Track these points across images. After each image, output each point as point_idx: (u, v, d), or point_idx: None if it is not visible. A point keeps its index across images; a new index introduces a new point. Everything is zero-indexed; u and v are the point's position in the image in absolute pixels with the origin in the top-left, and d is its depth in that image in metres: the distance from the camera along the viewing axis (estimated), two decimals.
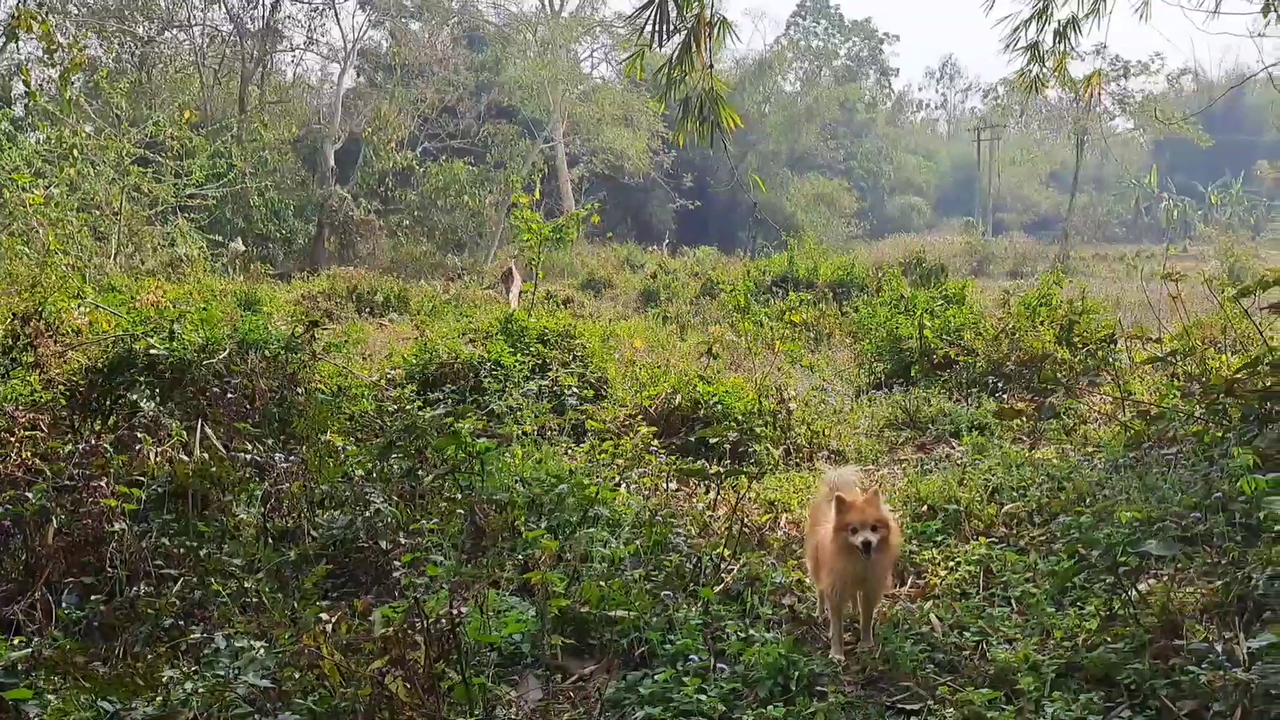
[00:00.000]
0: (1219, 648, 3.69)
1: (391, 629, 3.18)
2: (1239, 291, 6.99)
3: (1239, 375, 6.46)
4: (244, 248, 25.87)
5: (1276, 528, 4.42)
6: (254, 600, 4.51)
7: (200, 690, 3.09)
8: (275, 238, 29.73)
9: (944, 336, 10.82)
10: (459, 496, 5.16)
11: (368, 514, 5.17)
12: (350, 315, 17.63)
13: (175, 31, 33.62)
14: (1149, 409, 7.13)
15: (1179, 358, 7.89)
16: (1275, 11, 8.24)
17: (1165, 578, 4.66)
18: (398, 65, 36.52)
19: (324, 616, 3.51)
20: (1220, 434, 6.12)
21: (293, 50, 37.18)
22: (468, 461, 5.21)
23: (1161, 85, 58.95)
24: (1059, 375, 9.24)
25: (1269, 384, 6.19)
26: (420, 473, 5.59)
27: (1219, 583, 4.32)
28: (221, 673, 3.22)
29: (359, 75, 40.35)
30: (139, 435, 5.91)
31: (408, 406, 6.52)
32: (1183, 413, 6.67)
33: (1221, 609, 4.14)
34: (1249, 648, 3.65)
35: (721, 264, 28.52)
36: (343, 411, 7.21)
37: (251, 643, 3.46)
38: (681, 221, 45.43)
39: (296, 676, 3.19)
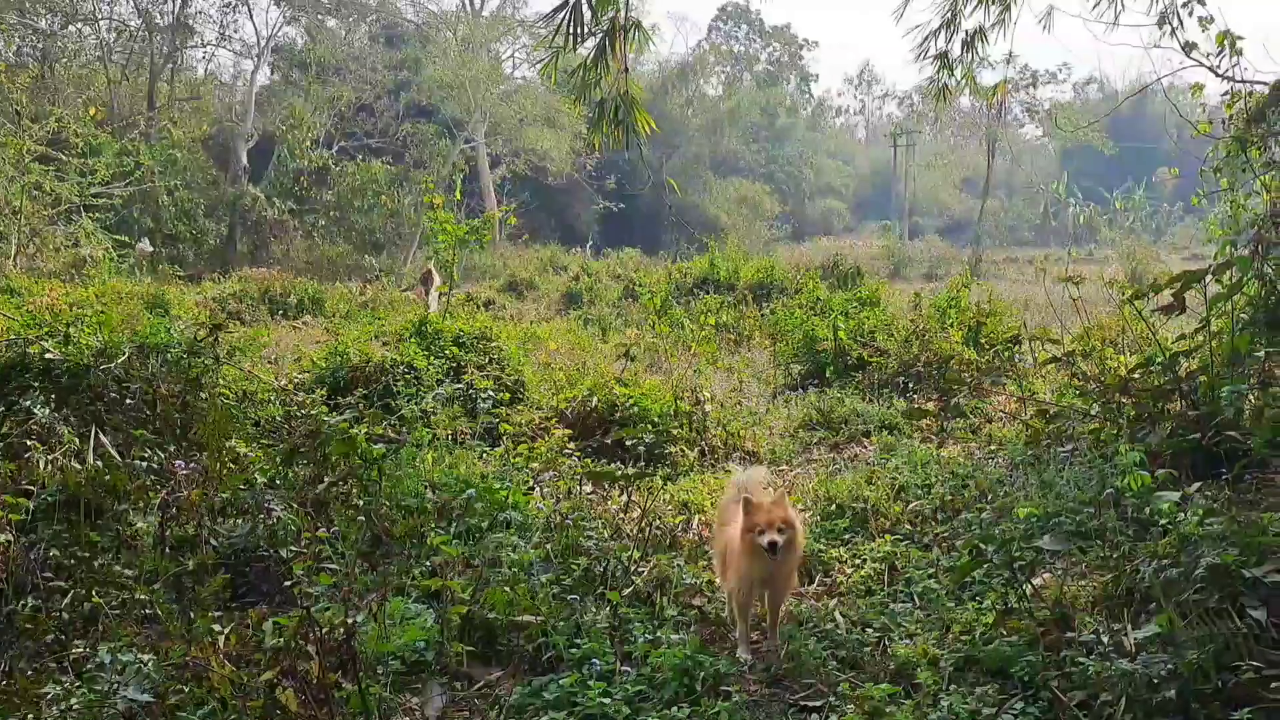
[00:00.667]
0: (1106, 639, 3.80)
1: (283, 639, 3.11)
2: (1132, 294, 7.24)
3: (1134, 374, 6.70)
4: (152, 248, 25.11)
5: (1163, 522, 4.59)
6: (149, 612, 4.38)
7: (76, 706, 2.98)
8: (185, 238, 28.93)
9: (858, 338, 11.01)
10: (361, 503, 5.08)
11: (270, 522, 5.05)
12: (263, 318, 17.24)
13: (80, 25, 32.50)
14: (1048, 408, 7.34)
15: (1079, 358, 8.13)
16: (1170, 25, 8.55)
17: (1059, 572, 4.80)
18: (313, 62, 35.86)
19: (215, 628, 3.41)
20: (1115, 431, 6.33)
21: (204, 46, 36.27)
22: (365, 467, 5.13)
23: (1069, 94, 60.92)
24: (965, 375, 9.46)
25: (1161, 383, 6.43)
26: (326, 479, 5.48)
27: (1109, 576, 4.46)
28: (101, 688, 3.11)
29: (273, 72, 39.53)
30: (29, 443, 5.68)
31: (314, 411, 6.38)
32: (1080, 411, 6.88)
33: (1111, 601, 4.27)
34: (1135, 638, 3.77)
35: (644, 266, 28.57)
36: (248, 417, 7.03)
37: (139, 655, 3.34)
38: (605, 223, 45.42)
39: (185, 689, 3.09)
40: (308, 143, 33.14)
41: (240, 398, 7.51)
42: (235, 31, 42.18)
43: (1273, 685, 3.23)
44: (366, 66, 37.24)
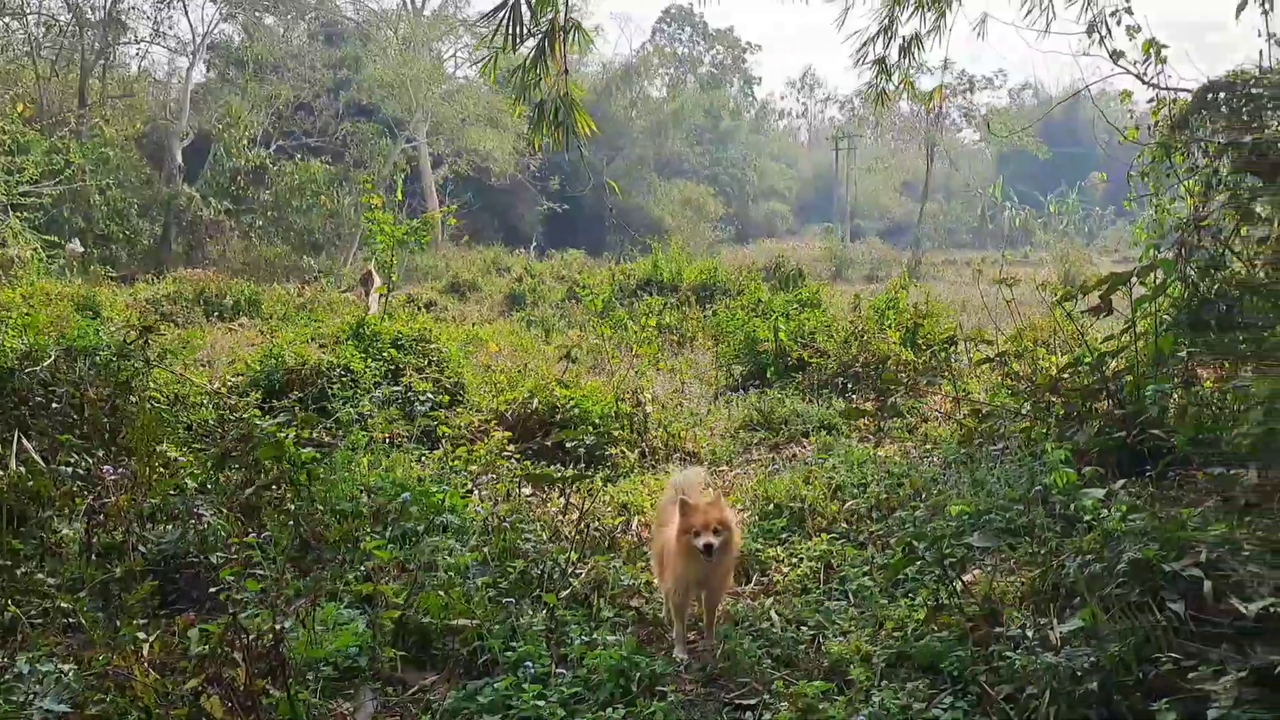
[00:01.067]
0: (1032, 633, 3.88)
1: (208, 646, 3.05)
2: (1061, 296, 7.40)
3: (1063, 374, 6.85)
4: (83, 249, 24.49)
5: (1088, 519, 4.70)
6: (71, 621, 4.27)
7: None
8: (118, 238, 28.23)
9: (798, 339, 11.11)
10: (293, 508, 5.00)
11: (200, 528, 4.95)
12: (197, 320, 16.91)
13: (7, 19, 31.55)
14: (981, 408, 7.47)
15: (1012, 358, 8.29)
16: (1098, 33, 8.77)
17: (989, 568, 4.88)
18: (250, 60, 35.24)
19: (140, 635, 3.33)
20: (1045, 430, 6.47)
21: (137, 42, 35.45)
22: (293, 471, 5.05)
23: (1004, 100, 62.17)
24: (902, 376, 9.60)
25: (1088, 382, 6.58)
26: (257, 483, 5.39)
27: (1036, 572, 4.55)
28: (18, 699, 3.02)
29: (209, 70, 38.75)
30: None
31: (246, 415, 6.27)
32: (1011, 410, 7.01)
33: (1038, 596, 4.36)
34: (1060, 632, 3.85)
35: (588, 268, 28.53)
36: (179, 421, 6.90)
37: (59, 665, 3.25)
38: (549, 224, 45.23)
39: (106, 699, 3.02)
40: (245, 141, 32.56)
41: (171, 401, 7.36)
42: (170, 28, 41.17)
43: (1190, 676, 3.32)
44: (305, 64, 36.70)
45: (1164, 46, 8.01)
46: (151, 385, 7.41)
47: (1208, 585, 3.63)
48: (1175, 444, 5.65)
